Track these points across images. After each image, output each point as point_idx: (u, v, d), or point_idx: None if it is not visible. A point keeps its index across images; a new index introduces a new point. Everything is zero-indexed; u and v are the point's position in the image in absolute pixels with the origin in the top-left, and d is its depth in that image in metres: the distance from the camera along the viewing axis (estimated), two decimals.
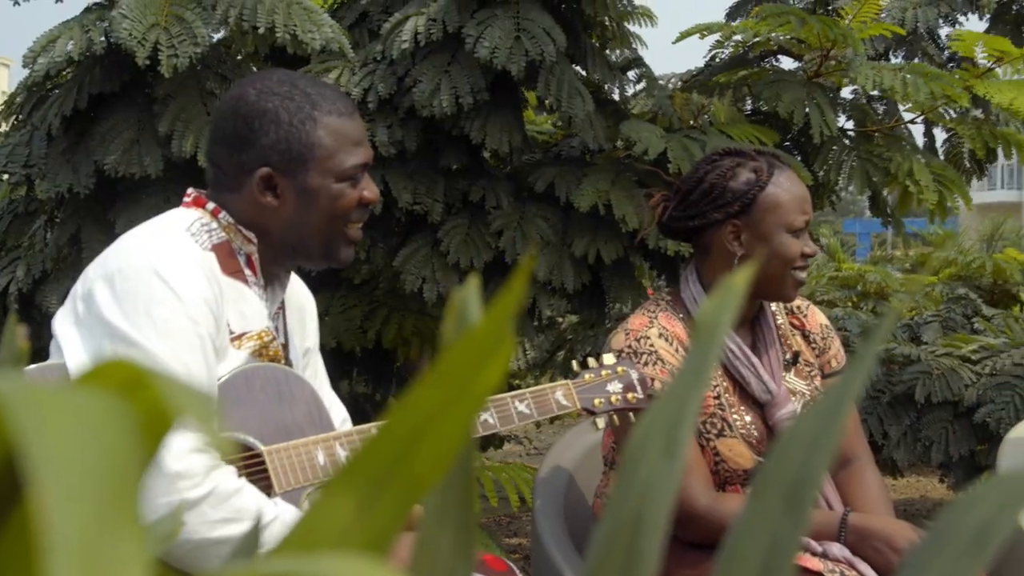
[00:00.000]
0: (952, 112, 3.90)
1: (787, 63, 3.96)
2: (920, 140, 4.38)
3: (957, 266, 6.25)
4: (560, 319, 5.01)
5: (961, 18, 4.37)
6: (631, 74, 3.89)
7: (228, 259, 1.72)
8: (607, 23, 3.64)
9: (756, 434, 2.21)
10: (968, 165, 4.40)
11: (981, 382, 4.05)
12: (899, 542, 2.07)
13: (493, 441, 4.65)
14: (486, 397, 0.38)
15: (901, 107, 4.08)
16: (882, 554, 2.08)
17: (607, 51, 3.80)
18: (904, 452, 4.14)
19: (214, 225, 1.73)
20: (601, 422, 2.05)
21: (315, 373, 1.96)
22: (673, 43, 3.76)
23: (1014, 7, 4.38)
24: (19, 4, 3.66)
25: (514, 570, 1.99)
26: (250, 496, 1.58)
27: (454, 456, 0.39)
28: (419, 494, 0.38)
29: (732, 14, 4.31)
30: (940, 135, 4.45)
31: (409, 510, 0.38)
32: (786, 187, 2.20)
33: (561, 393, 2.01)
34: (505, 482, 3.51)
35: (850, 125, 3.88)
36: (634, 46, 3.97)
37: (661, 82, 4.03)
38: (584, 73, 3.59)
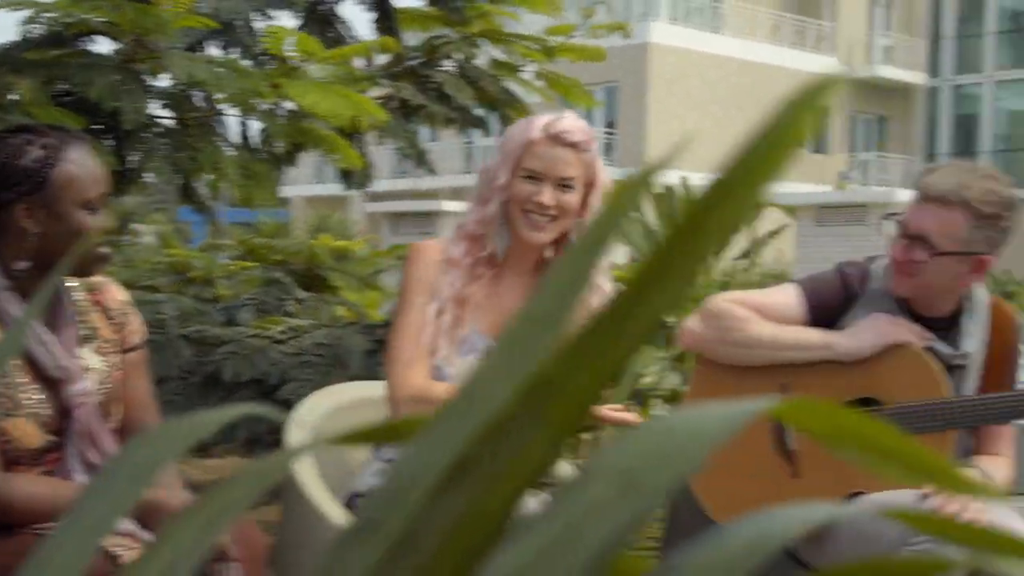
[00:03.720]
0: (266, 104, 4.05)
1: (106, 44, 3.91)
2: (237, 129, 4.52)
3: (281, 253, 6.57)
4: None
5: (274, 12, 4.52)
6: None
7: None
8: None
9: (49, 412, 2.19)
10: (286, 152, 4.61)
11: (286, 361, 4.31)
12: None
13: None
14: None
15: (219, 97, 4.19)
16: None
17: None
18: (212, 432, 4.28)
19: None
20: None
21: None
22: None
23: (320, 8, 4.63)
24: None
25: None
26: None
27: None
28: None
29: None
30: (259, 125, 4.61)
31: None
32: (80, 163, 2.19)
33: None
34: None
35: (167, 113, 3.92)
36: None
37: None
38: None
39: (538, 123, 2.56)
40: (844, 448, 0.45)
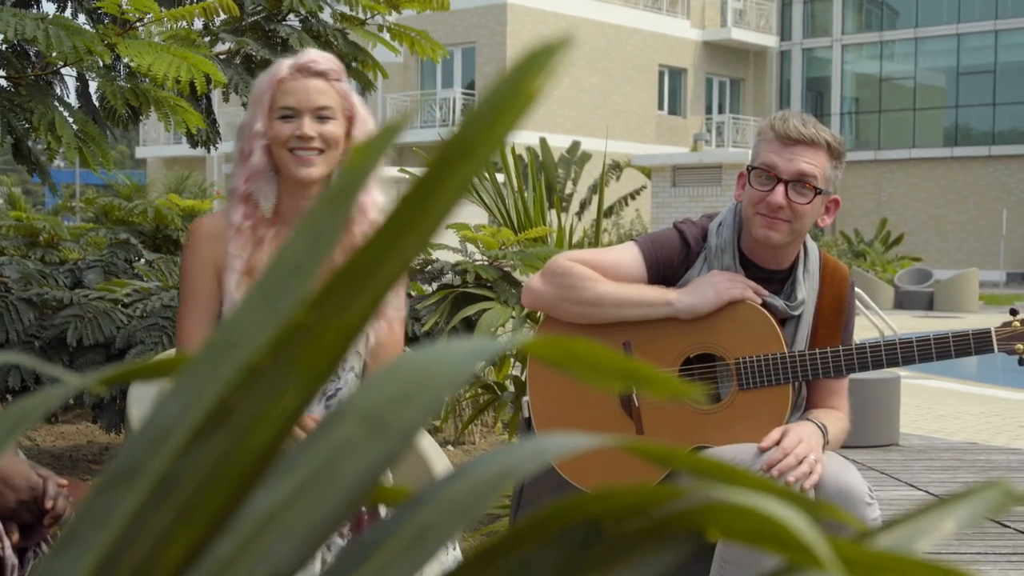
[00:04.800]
0: (104, 63, 3.94)
1: None
2: (76, 89, 4.39)
3: (130, 213, 6.40)
4: None
5: None
6: None
7: None
8: None
9: None
10: (124, 114, 4.50)
11: (132, 324, 4.22)
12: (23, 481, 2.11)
13: None
14: None
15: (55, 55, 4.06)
16: None
17: None
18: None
19: None
20: None
21: None
22: None
23: None
24: None
25: None
26: None
27: None
28: None
29: None
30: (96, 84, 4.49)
31: None
32: None
33: None
34: None
35: None
36: None
37: None
38: None
39: (285, 62, 2.55)
40: (579, 373, 0.47)
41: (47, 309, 4.26)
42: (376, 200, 2.57)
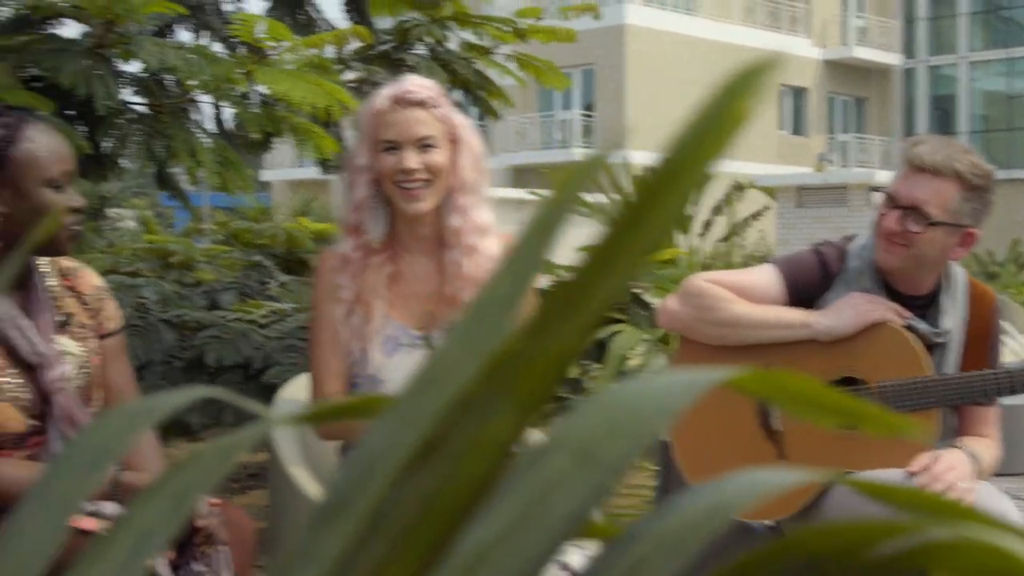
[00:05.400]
0: (239, 90, 4.03)
1: (74, 27, 3.88)
2: (211, 115, 4.50)
3: (262, 236, 6.54)
4: None
5: None
6: None
7: None
8: None
9: (30, 397, 2.19)
10: (259, 140, 4.59)
11: (270, 345, 4.30)
12: None
13: None
14: None
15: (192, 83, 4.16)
16: None
17: None
18: (199, 415, 4.28)
19: None
20: None
21: None
22: None
23: None
24: None
25: None
26: None
27: None
28: None
29: None
30: (232, 112, 4.59)
31: None
32: (40, 141, 2.17)
33: None
34: None
35: (139, 99, 3.89)
36: None
37: None
38: None
39: (384, 93, 2.52)
40: (793, 408, 0.46)
41: (186, 330, 4.37)
42: (484, 220, 2.56)
